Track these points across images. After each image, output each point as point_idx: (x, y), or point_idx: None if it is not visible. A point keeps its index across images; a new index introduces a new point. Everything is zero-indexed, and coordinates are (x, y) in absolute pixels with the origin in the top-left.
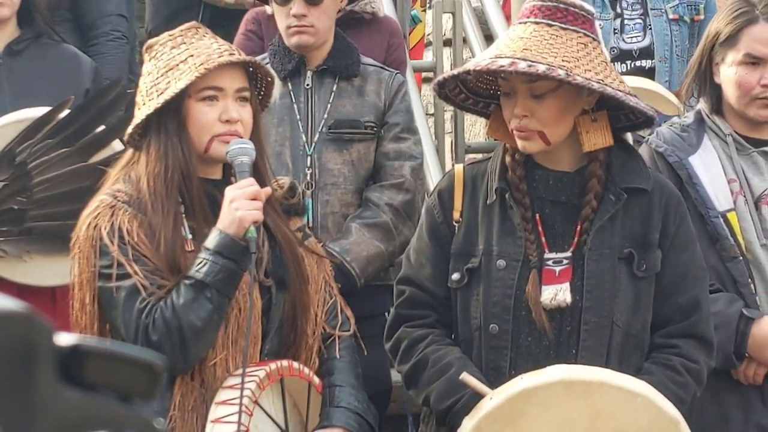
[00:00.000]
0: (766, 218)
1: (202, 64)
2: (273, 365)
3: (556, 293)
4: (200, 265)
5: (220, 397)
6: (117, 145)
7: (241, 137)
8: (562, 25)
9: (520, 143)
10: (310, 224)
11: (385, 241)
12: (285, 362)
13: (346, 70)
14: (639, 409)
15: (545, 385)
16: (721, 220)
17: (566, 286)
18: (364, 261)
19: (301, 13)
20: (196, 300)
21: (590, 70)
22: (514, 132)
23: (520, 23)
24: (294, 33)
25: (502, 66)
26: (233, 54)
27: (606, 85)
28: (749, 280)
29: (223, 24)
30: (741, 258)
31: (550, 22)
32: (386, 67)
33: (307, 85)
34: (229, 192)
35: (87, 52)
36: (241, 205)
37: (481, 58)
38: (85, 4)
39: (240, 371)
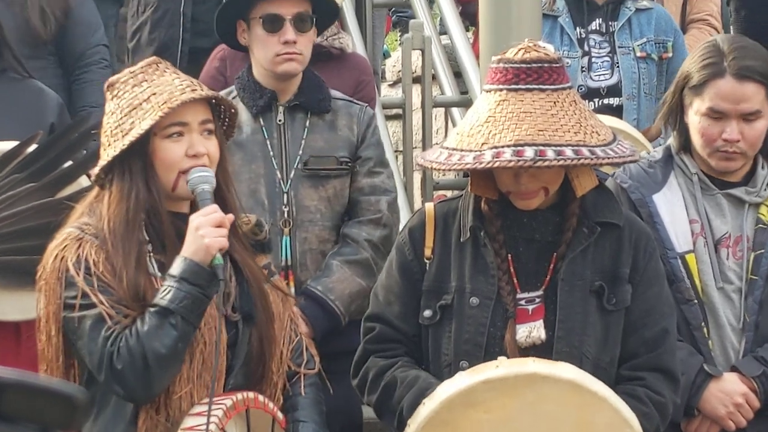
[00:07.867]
0: (724, 261)
1: (165, 102)
2: (239, 395)
3: (531, 331)
4: (165, 293)
5: (187, 423)
6: (84, 180)
7: None
8: (553, 87)
9: (522, 203)
10: (289, 262)
11: (366, 277)
12: (251, 394)
13: (318, 105)
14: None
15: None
16: (679, 261)
17: (540, 323)
18: (347, 299)
19: (293, 39)
20: (160, 327)
21: (596, 132)
22: (515, 194)
23: (510, 89)
24: (285, 60)
25: (527, 162)
26: (195, 90)
27: (617, 154)
28: (702, 323)
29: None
30: (696, 301)
31: (542, 86)
32: (355, 101)
33: (279, 120)
34: (195, 219)
35: (76, 79)
36: (207, 233)
37: (472, 129)
38: (70, 39)
39: (206, 400)
